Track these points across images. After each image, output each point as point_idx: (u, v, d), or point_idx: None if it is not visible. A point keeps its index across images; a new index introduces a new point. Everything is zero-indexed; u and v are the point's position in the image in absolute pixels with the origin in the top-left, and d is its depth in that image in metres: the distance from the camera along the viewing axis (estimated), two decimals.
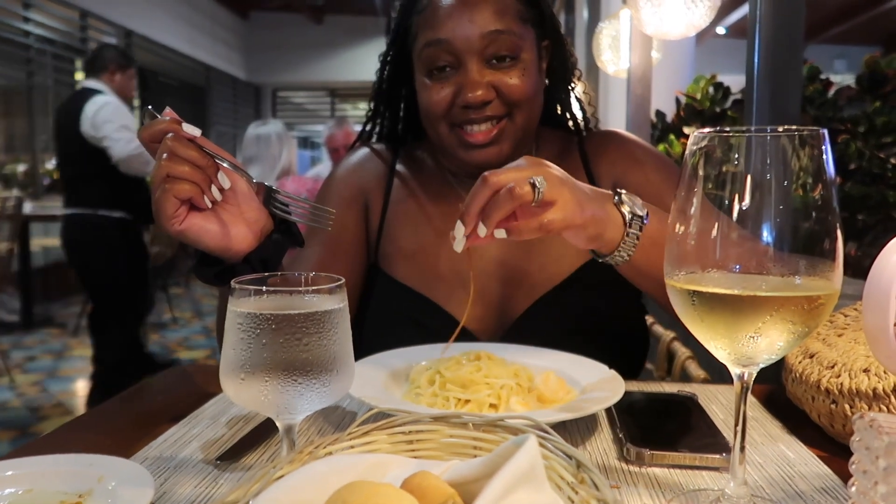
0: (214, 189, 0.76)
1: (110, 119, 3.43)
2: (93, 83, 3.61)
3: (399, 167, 1.21)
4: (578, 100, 1.24)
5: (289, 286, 0.60)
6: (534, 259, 1.09)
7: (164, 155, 0.73)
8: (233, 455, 0.70)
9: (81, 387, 4.32)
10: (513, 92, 1.02)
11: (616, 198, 0.83)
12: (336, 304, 0.58)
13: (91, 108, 3.45)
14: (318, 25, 10.78)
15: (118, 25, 7.61)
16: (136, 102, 3.71)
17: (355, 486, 0.43)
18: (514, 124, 1.05)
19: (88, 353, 4.99)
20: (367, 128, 1.26)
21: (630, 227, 0.81)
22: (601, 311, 1.07)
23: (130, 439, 0.75)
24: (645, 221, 0.82)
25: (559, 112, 1.24)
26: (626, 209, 0.82)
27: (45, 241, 6.48)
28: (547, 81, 1.17)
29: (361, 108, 12.77)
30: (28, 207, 5.43)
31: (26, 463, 0.64)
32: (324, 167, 5.12)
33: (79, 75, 7.56)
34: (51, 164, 7.71)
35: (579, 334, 1.00)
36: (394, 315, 1.09)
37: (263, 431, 0.76)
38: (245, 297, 0.57)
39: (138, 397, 0.91)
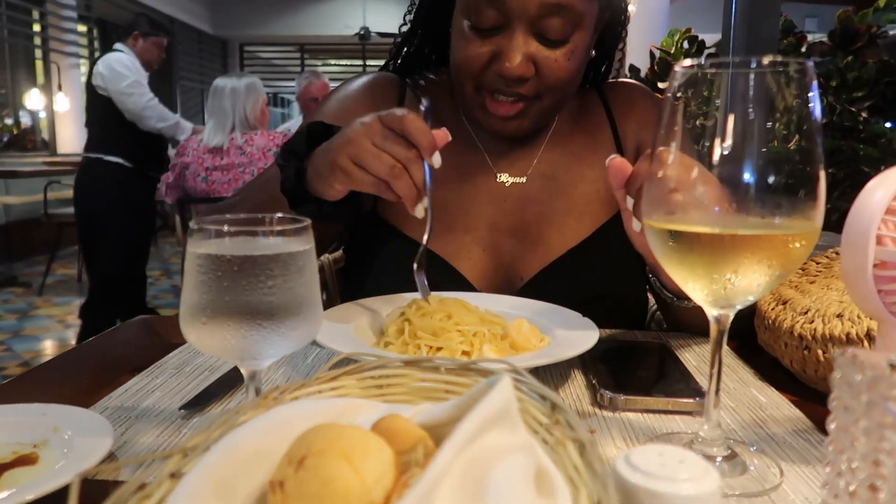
0: (420, 207, 0.79)
1: (123, 73, 3.63)
2: (118, 45, 3.82)
3: (410, 102, 1.11)
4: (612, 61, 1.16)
5: (252, 227, 0.57)
6: (555, 218, 1.03)
7: (401, 160, 0.75)
8: (197, 404, 0.68)
9: (48, 346, 4.25)
10: (552, 72, 0.93)
11: None
12: (302, 245, 0.56)
13: (102, 63, 3.69)
14: None
15: None
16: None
17: (321, 428, 0.41)
18: (542, 104, 0.97)
19: (54, 312, 4.92)
20: (403, 50, 1.15)
21: None
22: (611, 278, 1.02)
23: (89, 390, 0.72)
24: None
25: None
26: None
27: (6, 199, 6.31)
28: (594, 53, 1.05)
29: (332, 65, 12.54)
30: None
31: None
32: (294, 123, 5.02)
33: (35, 27, 7.28)
34: (10, 120, 7.47)
35: (587, 302, 0.92)
36: (399, 269, 1.00)
37: (229, 381, 0.74)
38: (206, 238, 0.54)
39: (97, 349, 0.88)
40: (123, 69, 3.64)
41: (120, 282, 3.93)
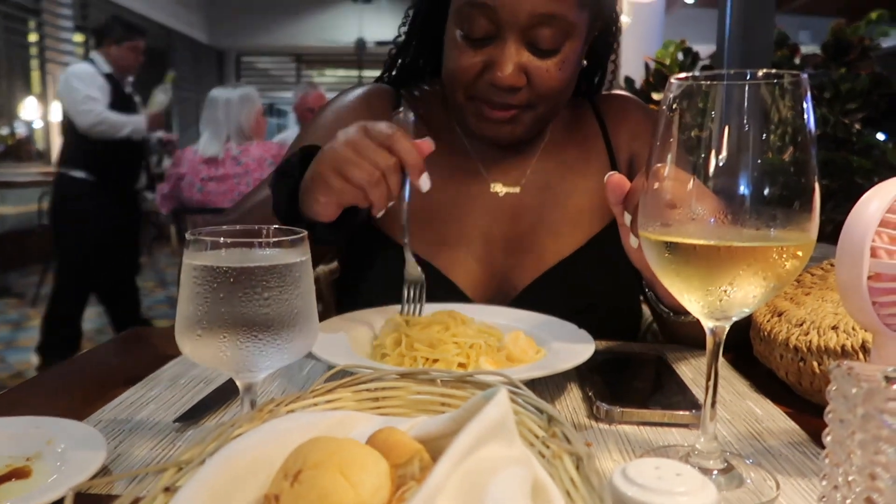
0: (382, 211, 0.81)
1: (77, 88, 3.45)
2: (92, 54, 3.67)
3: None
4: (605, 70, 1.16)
5: (248, 238, 0.57)
6: (549, 228, 1.03)
7: (381, 168, 0.77)
8: (192, 416, 0.67)
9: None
10: (544, 81, 0.93)
11: None
12: (298, 257, 0.56)
13: (63, 76, 3.56)
14: None
15: None
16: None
17: (317, 441, 0.41)
18: (535, 112, 0.98)
19: None
20: (398, 61, 1.15)
21: None
22: (604, 288, 1.02)
23: (83, 403, 0.72)
24: None
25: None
26: None
27: (0, 209, 6.29)
28: (585, 62, 1.06)
29: (327, 75, 12.55)
30: None
31: None
32: (290, 133, 5.02)
33: (32, 36, 7.28)
34: (5, 130, 7.45)
35: (581, 312, 0.91)
36: (394, 279, 0.97)
37: (225, 393, 0.73)
38: (202, 249, 0.54)
39: (91, 360, 0.88)
40: (78, 83, 3.45)
41: (80, 297, 3.78)
